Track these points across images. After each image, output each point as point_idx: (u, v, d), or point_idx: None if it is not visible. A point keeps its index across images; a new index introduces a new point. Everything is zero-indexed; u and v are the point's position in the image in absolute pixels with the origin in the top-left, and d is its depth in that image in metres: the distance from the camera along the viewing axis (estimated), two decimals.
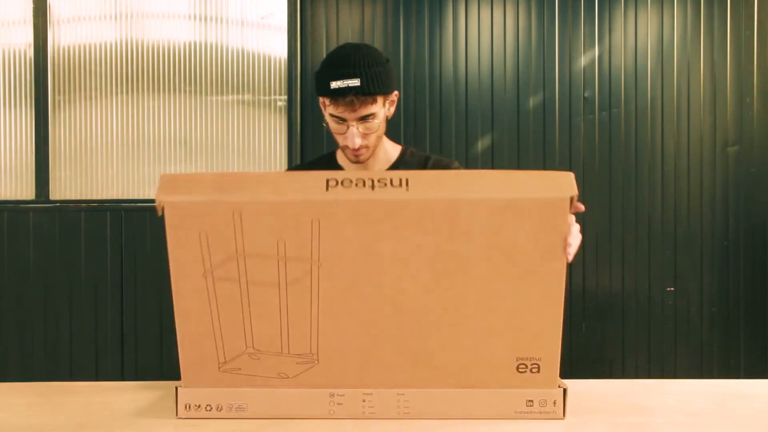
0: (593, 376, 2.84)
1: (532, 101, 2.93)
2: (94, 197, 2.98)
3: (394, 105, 1.70)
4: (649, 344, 2.93)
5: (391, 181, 1.16)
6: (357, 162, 1.69)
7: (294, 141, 2.92)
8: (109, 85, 2.98)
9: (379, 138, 1.68)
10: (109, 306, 2.93)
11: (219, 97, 2.97)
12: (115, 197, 2.98)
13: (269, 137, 2.97)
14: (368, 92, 1.56)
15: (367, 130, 1.62)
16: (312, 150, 2.93)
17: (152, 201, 2.96)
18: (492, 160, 2.92)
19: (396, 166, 1.75)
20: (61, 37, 2.98)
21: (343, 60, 1.59)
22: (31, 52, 2.97)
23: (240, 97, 2.97)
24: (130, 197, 2.98)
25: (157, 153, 2.98)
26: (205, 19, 2.98)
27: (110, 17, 2.98)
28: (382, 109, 1.64)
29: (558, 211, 1.15)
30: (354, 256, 1.15)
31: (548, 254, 1.19)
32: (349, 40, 2.94)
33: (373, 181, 1.15)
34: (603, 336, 2.93)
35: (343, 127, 1.61)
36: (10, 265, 2.95)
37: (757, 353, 2.94)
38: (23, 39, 2.98)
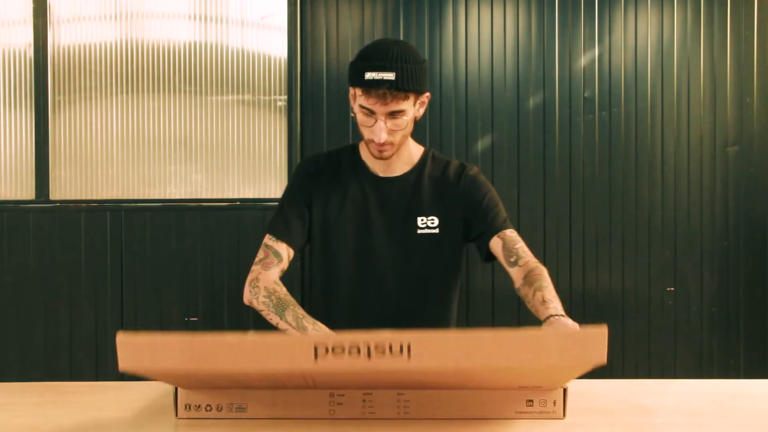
0: (593, 376, 2.83)
1: (532, 101, 2.93)
2: (94, 197, 2.98)
3: (424, 107, 1.68)
4: (649, 344, 2.93)
5: (391, 347, 0.99)
6: (380, 158, 1.67)
7: (294, 141, 2.92)
8: (109, 85, 2.98)
9: (405, 137, 1.66)
10: (109, 306, 2.93)
11: (219, 97, 2.97)
12: (115, 197, 2.98)
13: (269, 137, 2.97)
14: (401, 87, 1.54)
15: (395, 127, 1.60)
16: (312, 150, 2.93)
17: (152, 201, 2.96)
18: (492, 160, 2.92)
19: (418, 167, 1.74)
20: (61, 37, 2.98)
21: (381, 53, 1.57)
22: (31, 52, 2.97)
23: (240, 97, 2.97)
24: (130, 197, 2.98)
25: (157, 153, 2.98)
26: (205, 19, 2.98)
27: (110, 17, 2.98)
28: (412, 108, 1.61)
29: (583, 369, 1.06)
30: None
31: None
32: (350, 40, 2.94)
33: (369, 347, 0.99)
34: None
35: (371, 120, 1.60)
36: (10, 265, 2.95)
37: (757, 353, 2.94)
38: (23, 39, 2.98)
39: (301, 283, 2.92)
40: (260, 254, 1.70)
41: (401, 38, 2.93)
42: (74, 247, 2.94)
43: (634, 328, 2.93)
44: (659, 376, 2.91)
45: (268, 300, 1.60)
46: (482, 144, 2.92)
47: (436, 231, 1.69)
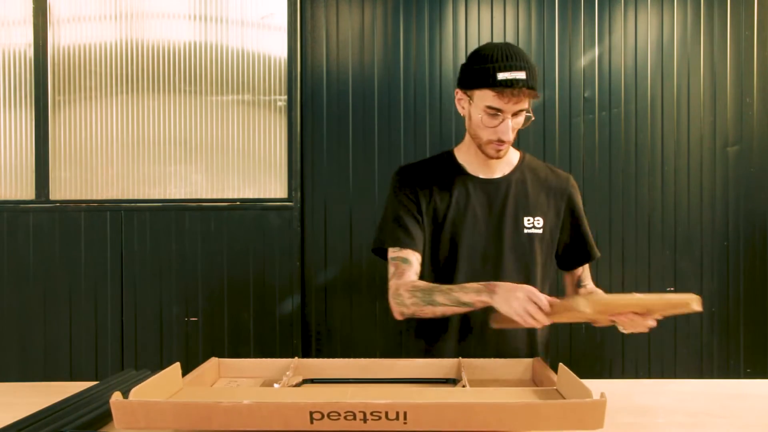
0: (593, 376, 2.84)
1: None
2: (94, 197, 2.98)
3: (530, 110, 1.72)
4: (649, 344, 2.93)
5: (387, 413, 0.98)
6: (497, 157, 1.72)
7: (294, 141, 2.92)
8: (109, 85, 2.98)
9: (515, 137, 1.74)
10: (109, 306, 2.93)
11: (219, 97, 2.97)
12: (115, 197, 2.98)
13: (269, 137, 2.97)
14: (532, 86, 1.61)
15: (516, 125, 1.67)
16: (312, 150, 2.93)
17: (152, 201, 2.96)
18: None
19: (518, 168, 1.80)
20: (61, 37, 2.98)
21: (509, 53, 1.62)
22: (31, 52, 2.97)
23: (240, 97, 2.97)
24: (130, 197, 2.98)
25: (157, 153, 2.98)
26: (205, 19, 2.98)
27: (110, 17, 2.98)
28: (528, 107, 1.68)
29: None
30: None
31: None
32: (350, 40, 2.94)
33: (364, 413, 0.98)
34: (603, 336, 2.93)
35: (497, 120, 1.65)
36: (10, 265, 2.95)
37: (757, 353, 2.94)
38: (23, 39, 2.98)
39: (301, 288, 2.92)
40: (390, 269, 1.71)
41: (401, 38, 2.93)
42: (74, 247, 2.94)
43: None
44: (659, 376, 2.91)
45: (414, 298, 1.61)
46: None
47: (540, 231, 1.74)
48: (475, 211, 1.74)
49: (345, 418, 0.97)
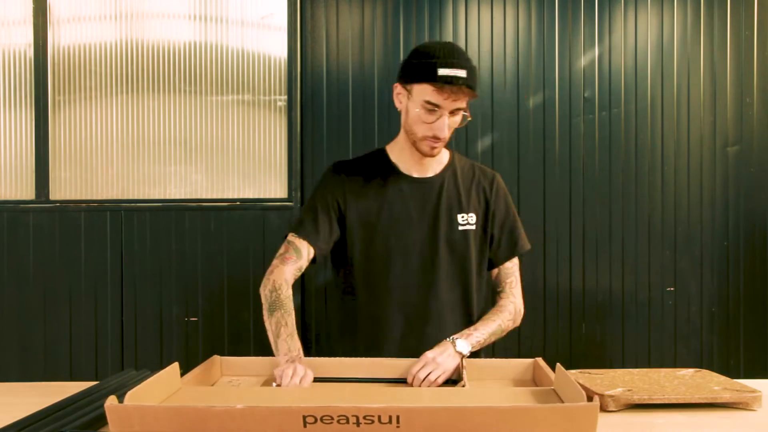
0: None
1: (532, 101, 2.93)
2: (94, 197, 2.98)
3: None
4: (649, 344, 2.93)
5: (380, 417, 0.98)
6: (430, 155, 1.73)
7: (294, 141, 2.92)
8: (109, 85, 2.98)
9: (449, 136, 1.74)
10: (109, 306, 2.93)
11: (219, 97, 2.97)
12: (115, 197, 2.98)
13: (269, 137, 2.97)
14: (471, 85, 1.62)
15: (453, 123, 1.68)
16: (312, 150, 2.93)
17: (152, 201, 2.96)
18: (492, 160, 2.92)
19: (450, 167, 1.82)
20: (61, 37, 2.98)
21: (452, 51, 1.64)
22: (31, 52, 2.97)
23: (240, 97, 2.97)
24: (130, 197, 2.98)
25: (157, 153, 2.98)
26: (205, 19, 2.98)
27: (110, 17, 2.98)
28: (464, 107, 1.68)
29: None
30: None
31: None
32: (350, 40, 2.94)
33: (357, 417, 0.98)
34: (603, 336, 2.93)
35: (434, 116, 1.66)
36: (10, 265, 2.95)
37: (757, 353, 2.94)
38: (23, 39, 2.98)
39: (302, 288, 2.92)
40: (281, 249, 1.73)
41: (401, 38, 2.93)
42: (74, 247, 2.94)
43: (634, 328, 2.93)
44: None
45: (269, 295, 1.63)
46: (482, 144, 2.92)
47: (474, 227, 1.75)
48: (409, 210, 1.76)
49: (338, 422, 0.97)
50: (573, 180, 2.92)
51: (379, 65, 2.93)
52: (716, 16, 2.92)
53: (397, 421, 0.98)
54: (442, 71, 1.60)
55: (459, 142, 2.91)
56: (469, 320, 1.76)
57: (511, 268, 1.83)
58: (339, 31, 2.94)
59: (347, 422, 0.98)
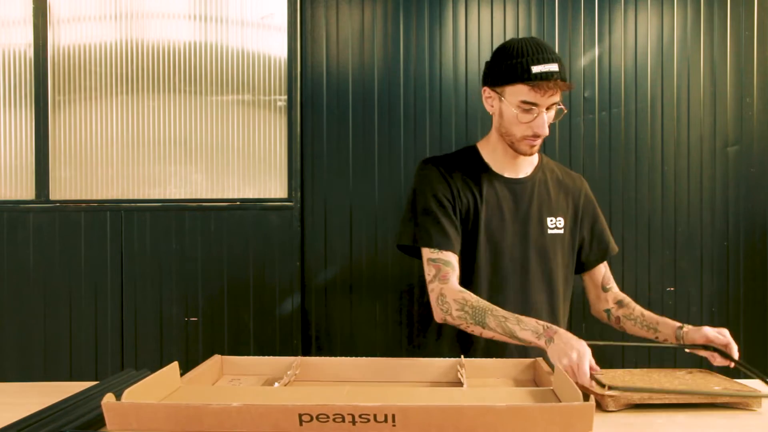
0: None
1: None
2: (94, 197, 2.98)
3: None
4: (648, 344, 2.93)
5: (375, 416, 0.99)
6: (530, 154, 1.71)
7: (294, 141, 2.92)
8: (109, 85, 2.98)
9: None
10: (109, 306, 2.93)
11: (219, 97, 2.97)
12: (115, 197, 2.98)
13: (269, 137, 2.97)
14: (565, 77, 1.60)
15: (550, 119, 1.65)
16: (312, 150, 2.93)
17: (152, 201, 2.96)
18: None
19: (540, 167, 1.81)
20: (61, 37, 2.98)
21: (539, 47, 1.61)
22: (31, 52, 2.97)
23: (240, 97, 2.97)
24: (130, 197, 2.98)
25: (157, 153, 2.98)
26: (205, 19, 2.98)
27: (110, 17, 2.98)
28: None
29: None
30: None
31: None
32: (350, 40, 2.94)
33: (353, 416, 0.99)
34: (603, 336, 2.93)
35: (531, 115, 1.63)
36: (10, 265, 2.95)
37: (757, 353, 2.94)
38: (23, 39, 2.98)
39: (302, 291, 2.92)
40: (431, 270, 1.65)
41: (401, 38, 2.93)
42: (74, 247, 2.94)
43: None
44: None
45: (462, 312, 1.56)
46: None
47: (562, 231, 1.73)
48: (503, 211, 1.72)
49: (334, 420, 0.98)
50: None
51: (379, 65, 2.93)
52: (716, 16, 2.92)
53: (393, 420, 0.98)
54: (536, 68, 1.57)
55: (459, 142, 2.91)
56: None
57: (606, 269, 1.86)
58: (339, 31, 2.94)
59: (343, 421, 0.98)
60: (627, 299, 1.85)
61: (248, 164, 2.98)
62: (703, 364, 2.92)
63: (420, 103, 2.92)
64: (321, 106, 2.94)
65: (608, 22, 2.93)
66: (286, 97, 2.95)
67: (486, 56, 2.92)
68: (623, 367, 2.94)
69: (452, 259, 1.65)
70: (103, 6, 2.98)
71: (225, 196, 2.97)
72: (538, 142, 1.67)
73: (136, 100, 2.98)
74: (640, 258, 2.92)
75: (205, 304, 2.92)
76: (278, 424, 1.00)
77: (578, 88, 2.93)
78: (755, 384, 1.43)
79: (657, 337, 1.71)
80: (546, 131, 1.64)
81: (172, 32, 2.97)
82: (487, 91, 1.69)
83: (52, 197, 2.97)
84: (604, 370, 1.49)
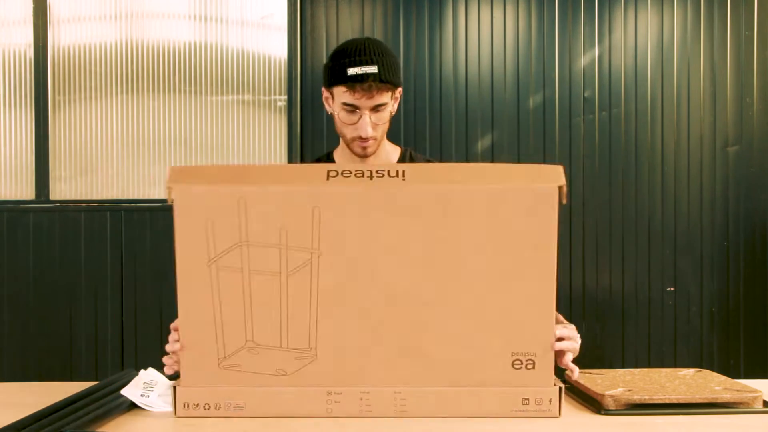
0: None
1: (532, 101, 2.93)
2: (94, 197, 2.98)
3: (398, 102, 1.72)
4: (649, 344, 2.93)
5: (389, 171, 1.20)
6: (363, 155, 1.71)
7: (294, 141, 2.92)
8: (109, 85, 2.98)
9: (384, 132, 1.71)
10: (109, 306, 2.93)
11: (219, 97, 2.97)
12: (115, 197, 2.98)
13: (269, 137, 2.97)
14: (385, 79, 1.59)
15: (378, 120, 1.64)
16: (312, 150, 2.93)
17: (152, 201, 2.96)
18: (492, 160, 2.92)
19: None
20: (61, 37, 2.98)
21: (359, 49, 1.61)
22: (31, 52, 2.97)
23: (240, 97, 2.97)
24: (130, 197, 2.98)
25: (157, 153, 2.98)
26: (205, 19, 2.98)
27: (110, 17, 2.98)
28: (391, 101, 1.66)
29: (547, 200, 1.18)
30: (352, 246, 1.18)
31: (538, 244, 1.21)
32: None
33: (371, 171, 1.19)
34: (603, 336, 2.93)
35: (355, 117, 1.63)
36: (10, 265, 2.95)
37: (757, 353, 2.94)
38: (23, 39, 2.98)
39: None
40: None
41: (401, 38, 2.93)
42: (74, 247, 2.94)
43: (634, 328, 2.93)
44: None
45: None
46: (482, 144, 2.92)
47: None
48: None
49: (355, 175, 1.19)
50: (573, 180, 2.92)
51: None
52: (716, 16, 2.92)
53: (403, 175, 1.18)
54: (351, 70, 1.58)
55: (459, 142, 2.92)
56: None
57: None
58: (339, 31, 2.94)
59: (363, 175, 1.19)
60: None
61: (248, 164, 2.98)
62: (703, 364, 2.92)
63: (420, 103, 2.92)
64: (321, 106, 2.94)
65: (608, 22, 2.93)
66: (286, 97, 2.95)
67: (486, 56, 2.92)
68: (623, 367, 2.94)
69: None
70: (103, 6, 2.98)
71: None
72: (369, 143, 1.67)
73: (136, 99, 2.98)
74: (640, 258, 2.92)
75: None
76: (308, 179, 1.19)
77: (578, 88, 2.93)
78: (755, 384, 1.43)
79: None
80: (368, 133, 1.63)
81: (172, 32, 2.97)
82: (324, 92, 1.70)
83: (52, 197, 2.97)
84: (604, 371, 1.49)
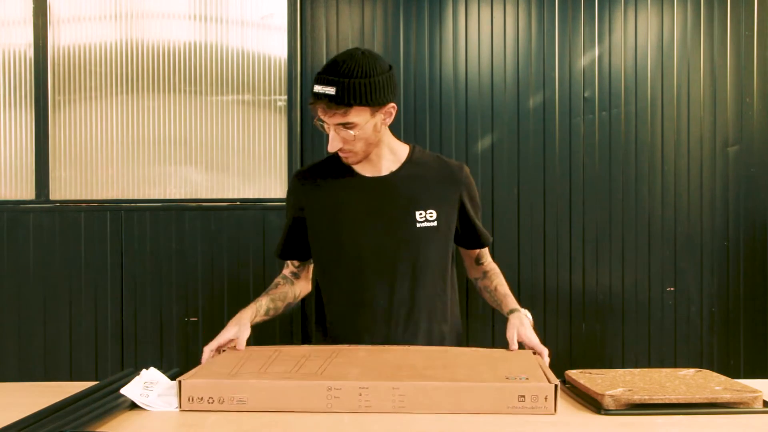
0: None
1: (532, 101, 2.93)
2: (94, 197, 2.98)
3: (391, 116, 1.73)
4: (649, 344, 2.93)
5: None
6: (349, 163, 1.77)
7: (294, 141, 2.92)
8: (109, 85, 2.98)
9: (369, 145, 1.73)
10: (109, 306, 2.93)
11: (219, 97, 2.97)
12: (115, 197, 2.98)
13: (269, 137, 2.97)
14: (341, 102, 1.61)
15: (348, 136, 1.67)
16: (312, 150, 2.93)
17: (152, 201, 2.96)
18: (492, 160, 2.92)
19: (407, 164, 1.80)
20: (61, 37, 2.98)
21: (330, 67, 1.65)
22: (31, 52, 2.97)
23: (240, 97, 2.97)
24: (130, 197, 2.98)
25: (157, 153, 2.99)
26: (205, 19, 2.98)
27: (110, 17, 2.98)
28: (370, 119, 1.66)
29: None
30: None
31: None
32: (350, 40, 2.94)
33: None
34: (603, 336, 2.93)
35: (328, 130, 1.69)
36: (10, 265, 2.95)
37: (757, 353, 2.94)
38: (23, 39, 2.98)
39: None
40: (285, 271, 1.94)
41: (401, 38, 2.93)
42: (74, 247, 2.94)
43: (634, 328, 2.93)
44: None
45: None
46: (482, 144, 2.92)
47: (435, 223, 1.73)
48: (359, 212, 1.75)
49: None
50: (573, 180, 2.92)
51: None
52: (716, 16, 2.92)
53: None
54: (316, 87, 1.63)
55: (459, 142, 2.92)
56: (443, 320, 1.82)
57: (486, 250, 1.93)
58: (339, 31, 2.94)
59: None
60: (492, 272, 1.90)
61: (248, 164, 2.98)
62: (703, 364, 2.92)
63: (420, 103, 2.92)
64: None
65: (608, 22, 2.93)
66: (286, 97, 2.95)
67: (486, 56, 2.92)
68: (623, 367, 2.94)
69: (287, 272, 1.92)
70: (103, 6, 2.98)
71: (225, 196, 2.97)
72: (347, 155, 1.71)
73: (136, 100, 2.98)
74: (640, 258, 2.92)
75: (205, 304, 2.92)
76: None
77: (578, 88, 2.93)
78: (755, 384, 1.43)
79: (503, 312, 1.80)
80: (331, 148, 1.68)
81: (172, 32, 2.97)
82: None
83: (52, 197, 2.97)
84: (604, 371, 1.49)
